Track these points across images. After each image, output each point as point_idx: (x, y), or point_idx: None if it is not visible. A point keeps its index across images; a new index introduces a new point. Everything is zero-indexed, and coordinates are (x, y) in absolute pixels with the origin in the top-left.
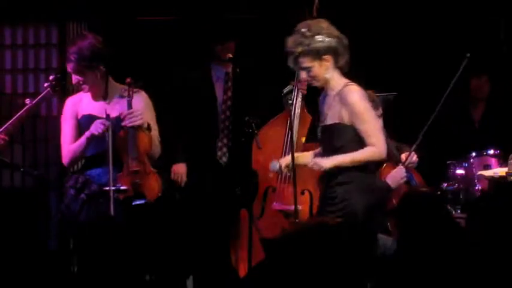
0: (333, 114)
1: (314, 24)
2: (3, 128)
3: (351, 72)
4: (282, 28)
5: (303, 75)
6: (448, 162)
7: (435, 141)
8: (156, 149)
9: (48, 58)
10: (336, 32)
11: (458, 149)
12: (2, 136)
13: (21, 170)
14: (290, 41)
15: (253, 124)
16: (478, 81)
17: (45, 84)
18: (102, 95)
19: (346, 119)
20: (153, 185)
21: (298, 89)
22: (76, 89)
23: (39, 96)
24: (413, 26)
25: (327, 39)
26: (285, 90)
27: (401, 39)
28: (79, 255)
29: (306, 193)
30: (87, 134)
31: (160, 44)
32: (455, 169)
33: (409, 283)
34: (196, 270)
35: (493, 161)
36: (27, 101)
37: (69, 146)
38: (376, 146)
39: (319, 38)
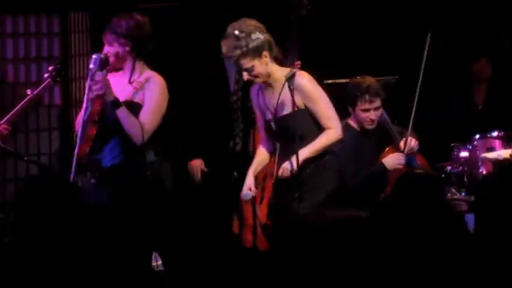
0: (286, 104)
1: (243, 25)
2: (5, 118)
3: (351, 58)
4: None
5: (246, 76)
6: (451, 144)
7: (438, 124)
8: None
9: (50, 47)
10: (263, 26)
11: (462, 132)
12: (5, 126)
13: (25, 159)
14: (225, 46)
15: None
16: (478, 65)
17: (45, 75)
18: (126, 77)
19: (301, 104)
20: None
21: None
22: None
23: (40, 87)
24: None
25: (261, 36)
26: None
27: (401, 22)
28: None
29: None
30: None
31: (164, 31)
32: (459, 152)
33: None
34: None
35: (497, 143)
36: (29, 91)
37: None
38: (332, 127)
39: (254, 36)
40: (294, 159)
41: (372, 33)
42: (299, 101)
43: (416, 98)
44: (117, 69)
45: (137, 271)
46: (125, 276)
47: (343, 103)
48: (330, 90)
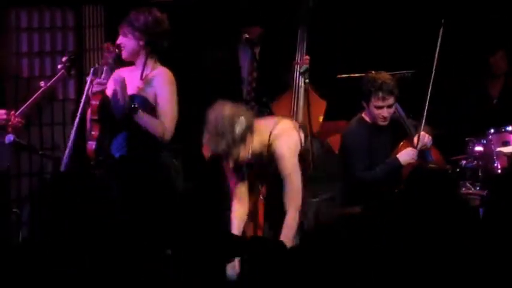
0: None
1: (224, 117)
2: (19, 111)
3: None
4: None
5: (232, 164)
6: (466, 139)
7: (454, 118)
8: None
9: (65, 41)
10: (238, 107)
11: (476, 126)
12: (19, 119)
13: (40, 153)
14: (211, 143)
15: (270, 105)
16: (494, 58)
17: (59, 66)
18: (137, 72)
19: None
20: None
21: (298, 68)
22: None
23: (54, 78)
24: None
25: (242, 121)
26: (301, 70)
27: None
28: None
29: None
30: None
31: (179, 25)
32: (474, 146)
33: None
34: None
35: None
36: (42, 83)
37: None
38: (290, 209)
39: (237, 127)
40: None
41: (385, 26)
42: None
43: (429, 91)
44: (129, 63)
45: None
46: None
47: (357, 97)
48: (343, 84)
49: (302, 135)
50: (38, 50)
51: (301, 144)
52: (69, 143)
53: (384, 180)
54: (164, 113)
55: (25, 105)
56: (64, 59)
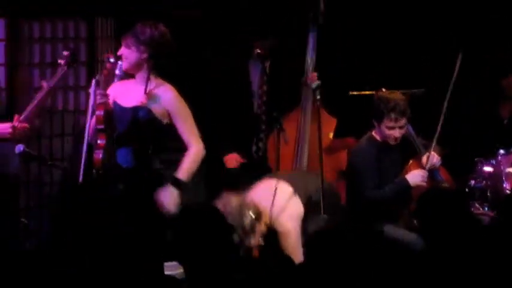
0: None
1: (231, 210)
2: (23, 115)
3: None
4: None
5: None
6: (475, 159)
7: (463, 139)
8: (199, 159)
9: (77, 51)
10: (243, 197)
11: (486, 146)
12: (24, 124)
13: (49, 163)
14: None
15: (280, 120)
16: (506, 80)
17: (61, 62)
18: (140, 86)
19: None
20: None
21: (307, 85)
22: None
23: (56, 77)
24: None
25: (250, 213)
26: (313, 86)
27: (429, 35)
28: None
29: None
30: None
31: (192, 38)
32: (483, 166)
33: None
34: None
35: None
36: (44, 83)
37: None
38: None
39: (245, 219)
40: None
41: (397, 43)
42: None
43: (443, 112)
44: (128, 75)
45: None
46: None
47: (368, 114)
48: (354, 101)
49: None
50: (50, 61)
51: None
52: (83, 154)
53: (392, 199)
54: (188, 130)
55: (29, 108)
56: (66, 53)
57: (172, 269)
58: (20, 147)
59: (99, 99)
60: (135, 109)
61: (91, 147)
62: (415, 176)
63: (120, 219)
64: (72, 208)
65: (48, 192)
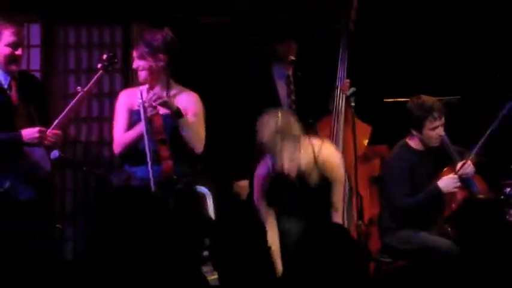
0: None
1: (282, 120)
2: (56, 121)
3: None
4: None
5: None
6: (511, 166)
7: (499, 146)
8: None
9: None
10: None
11: None
12: (55, 131)
13: (84, 169)
14: (273, 147)
15: (316, 126)
16: None
17: (99, 65)
18: (160, 90)
19: None
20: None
21: (340, 91)
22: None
23: (92, 81)
24: (475, 27)
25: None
26: (349, 93)
27: (463, 40)
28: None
29: (354, 193)
30: (140, 126)
31: (222, 44)
32: None
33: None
34: None
35: None
36: (79, 88)
37: (121, 136)
38: None
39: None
40: None
41: (431, 50)
42: None
43: (495, 123)
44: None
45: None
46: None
47: (402, 122)
48: (389, 108)
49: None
50: (86, 67)
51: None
52: (149, 163)
53: (425, 206)
54: (196, 125)
55: (62, 114)
56: (105, 56)
57: (207, 273)
58: (55, 153)
59: (150, 111)
60: (167, 116)
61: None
62: (446, 182)
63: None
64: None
65: (84, 198)
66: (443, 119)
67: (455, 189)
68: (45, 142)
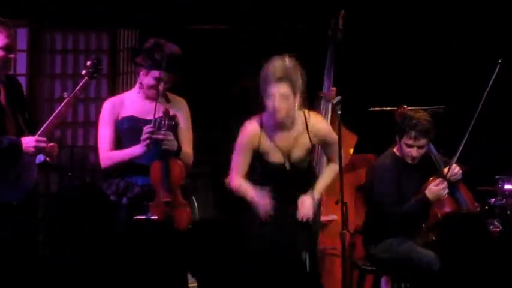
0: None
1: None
2: (42, 127)
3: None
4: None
5: None
6: (496, 177)
7: (483, 156)
8: (189, 163)
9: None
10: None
11: (506, 164)
12: (51, 144)
13: (69, 174)
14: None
15: None
16: None
17: (83, 72)
18: (154, 98)
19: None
20: (184, 217)
21: (325, 99)
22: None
23: (77, 87)
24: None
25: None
26: (335, 101)
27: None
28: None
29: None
30: (134, 151)
31: (211, 52)
32: (503, 184)
33: None
34: None
35: None
36: (65, 94)
37: (109, 152)
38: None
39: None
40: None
41: (415, 60)
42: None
43: (469, 129)
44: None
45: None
46: None
47: (388, 130)
48: (375, 117)
49: None
50: (72, 72)
51: None
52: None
53: (414, 215)
54: (188, 138)
55: (49, 120)
56: (89, 63)
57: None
58: (40, 158)
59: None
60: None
61: None
62: (434, 188)
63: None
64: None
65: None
66: (420, 142)
67: (443, 195)
68: (53, 154)
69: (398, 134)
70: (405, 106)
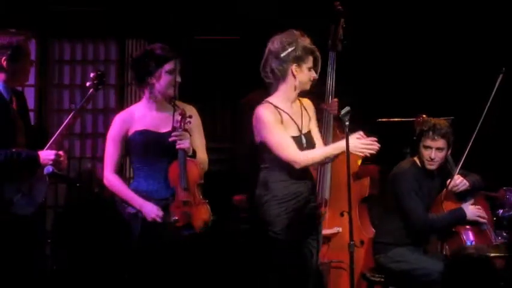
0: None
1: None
2: (52, 139)
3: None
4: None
5: None
6: (504, 188)
7: (491, 167)
8: (205, 168)
9: (107, 74)
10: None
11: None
12: (60, 153)
13: (77, 185)
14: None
15: None
16: None
17: (88, 84)
18: (168, 109)
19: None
20: (203, 216)
21: (328, 111)
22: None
23: (84, 100)
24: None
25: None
26: (343, 112)
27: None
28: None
29: (345, 215)
30: (139, 204)
31: (220, 62)
32: (511, 196)
33: None
34: None
35: None
36: (73, 105)
37: (113, 174)
38: None
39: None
40: None
41: (426, 71)
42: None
43: (472, 138)
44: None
45: None
46: None
47: (395, 142)
48: (382, 128)
49: None
50: (80, 83)
51: None
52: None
53: (445, 227)
54: (202, 144)
55: (57, 132)
56: (92, 75)
57: None
58: (49, 169)
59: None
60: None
61: None
62: (472, 210)
63: None
64: None
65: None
66: (438, 144)
67: (479, 219)
68: (61, 166)
69: (418, 139)
70: (424, 116)
